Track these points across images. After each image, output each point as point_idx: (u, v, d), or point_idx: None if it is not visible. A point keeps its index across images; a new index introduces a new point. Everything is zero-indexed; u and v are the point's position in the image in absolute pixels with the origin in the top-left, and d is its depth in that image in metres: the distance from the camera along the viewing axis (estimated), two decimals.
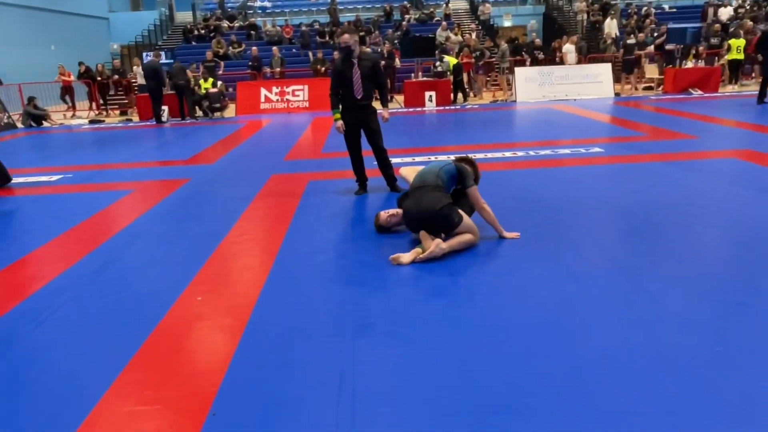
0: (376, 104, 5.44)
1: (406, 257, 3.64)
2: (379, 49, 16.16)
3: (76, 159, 8.89)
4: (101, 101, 16.02)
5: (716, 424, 2.01)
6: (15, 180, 6.93)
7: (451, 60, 14.01)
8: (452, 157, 4.34)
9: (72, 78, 15.81)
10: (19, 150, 10.40)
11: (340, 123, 5.26)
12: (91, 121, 14.42)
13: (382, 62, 11.14)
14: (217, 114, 13.92)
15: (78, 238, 4.65)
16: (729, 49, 14.45)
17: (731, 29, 16.48)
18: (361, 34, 17.24)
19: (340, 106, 5.27)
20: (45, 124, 13.91)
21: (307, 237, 4.35)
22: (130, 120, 14.41)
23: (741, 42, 14.29)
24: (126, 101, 16.31)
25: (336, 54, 16.62)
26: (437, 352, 2.59)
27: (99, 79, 15.75)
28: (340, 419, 2.15)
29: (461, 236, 3.80)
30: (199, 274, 3.67)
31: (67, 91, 15.95)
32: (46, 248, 4.40)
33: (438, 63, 13.97)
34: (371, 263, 3.73)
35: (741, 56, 14.44)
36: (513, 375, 2.37)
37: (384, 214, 4.27)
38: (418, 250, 3.68)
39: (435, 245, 3.62)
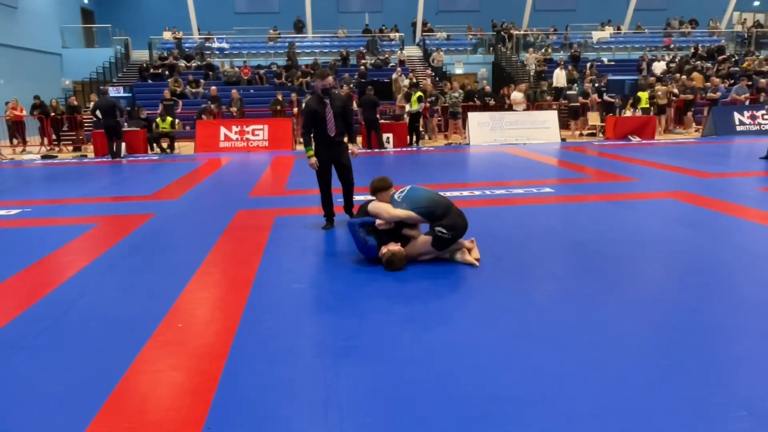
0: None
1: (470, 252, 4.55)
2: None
3: (33, 193, 8.74)
4: (53, 137, 15.73)
5: (666, 423, 2.30)
6: None
7: (413, 104, 14.50)
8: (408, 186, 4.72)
9: (24, 113, 15.50)
10: None
11: (314, 160, 5.50)
12: (44, 157, 14.12)
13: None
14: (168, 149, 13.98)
15: (45, 271, 4.64)
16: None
17: (664, 83, 17.83)
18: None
19: (313, 144, 5.53)
20: None
21: (280, 268, 4.51)
22: (85, 156, 14.20)
23: (645, 95, 15.66)
24: (78, 137, 16.06)
25: (303, 96, 17.00)
26: (414, 369, 2.79)
27: (53, 114, 15.50)
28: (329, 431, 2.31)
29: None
30: (176, 303, 3.77)
31: (17, 126, 15.59)
32: (11, 281, 4.38)
33: (408, 105, 14.47)
34: (345, 293, 3.93)
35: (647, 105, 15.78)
36: (484, 388, 2.61)
37: (394, 246, 4.37)
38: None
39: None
